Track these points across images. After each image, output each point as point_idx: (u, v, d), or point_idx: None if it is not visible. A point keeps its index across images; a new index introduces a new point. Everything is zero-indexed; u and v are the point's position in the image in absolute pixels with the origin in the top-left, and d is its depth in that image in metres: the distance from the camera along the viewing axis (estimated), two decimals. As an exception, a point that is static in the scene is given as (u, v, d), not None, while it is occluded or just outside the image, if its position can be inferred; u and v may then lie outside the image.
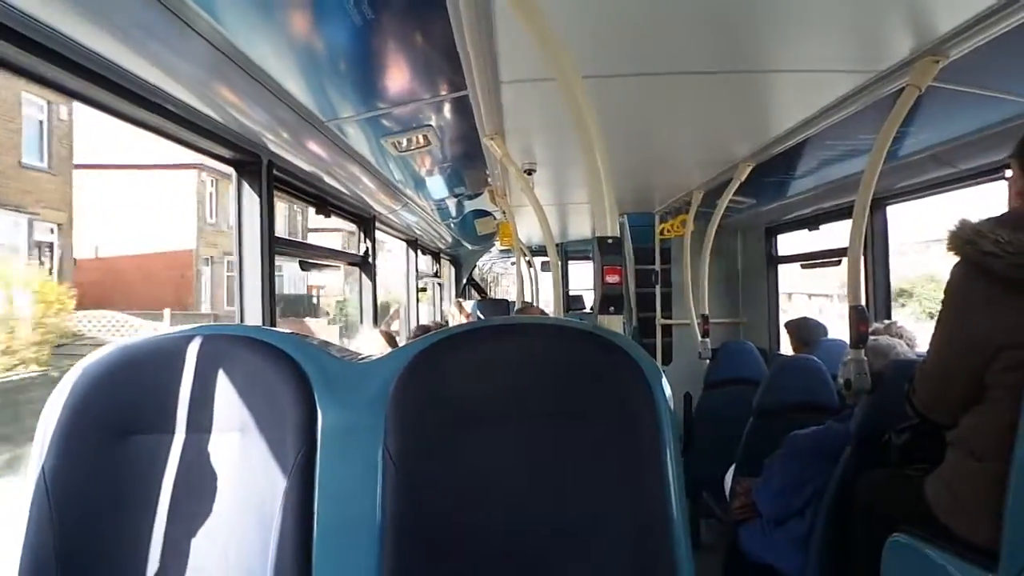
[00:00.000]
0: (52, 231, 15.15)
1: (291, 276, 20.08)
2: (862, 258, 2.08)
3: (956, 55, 1.63)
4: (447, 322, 5.32)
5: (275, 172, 2.17)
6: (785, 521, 2.24)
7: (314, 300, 21.83)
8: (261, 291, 2.10)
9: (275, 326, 2.23)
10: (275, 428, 1.08)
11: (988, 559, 1.47)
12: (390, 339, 2.64)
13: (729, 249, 4.81)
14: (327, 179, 2.65)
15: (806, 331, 3.39)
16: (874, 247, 3.19)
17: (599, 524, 1.05)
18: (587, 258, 8.25)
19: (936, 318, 1.66)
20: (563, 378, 1.12)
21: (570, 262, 8.16)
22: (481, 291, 9.25)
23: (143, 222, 17.88)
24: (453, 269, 7.52)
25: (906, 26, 1.59)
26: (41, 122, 14.73)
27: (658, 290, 4.92)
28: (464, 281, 7.87)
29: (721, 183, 3.29)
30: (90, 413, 1.08)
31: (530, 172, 3.11)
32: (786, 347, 3.85)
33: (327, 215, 3.03)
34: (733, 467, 2.86)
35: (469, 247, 6.71)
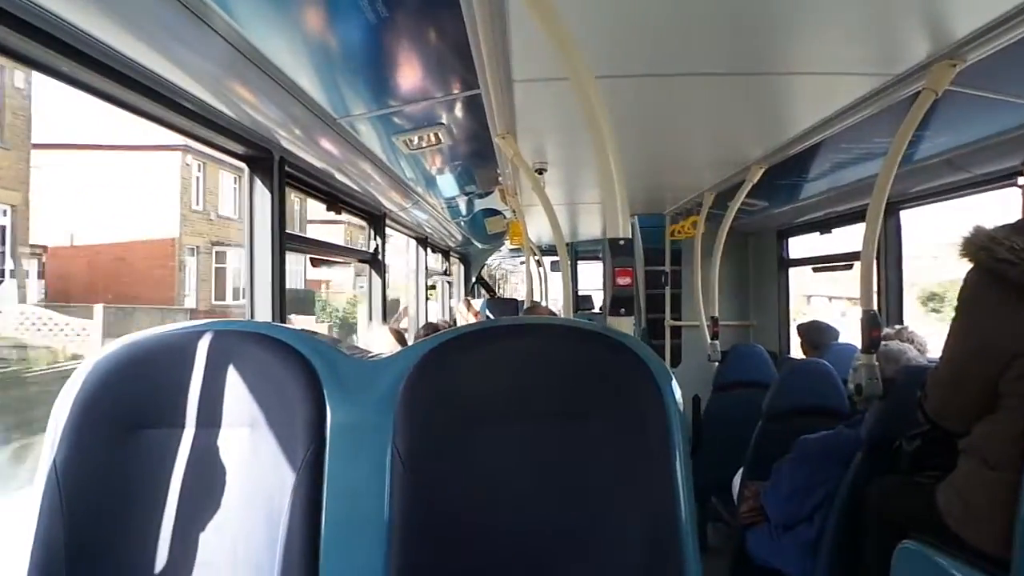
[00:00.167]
0: (4, 213, 13.78)
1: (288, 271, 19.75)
2: (875, 262, 2.06)
3: (973, 59, 1.62)
4: (455, 320, 5.33)
5: (287, 168, 2.17)
6: (793, 526, 2.23)
7: (321, 296, 20.53)
8: (271, 287, 2.10)
9: (285, 322, 2.24)
10: (285, 424, 1.08)
11: (999, 569, 1.45)
12: (399, 337, 2.64)
13: (739, 251, 4.79)
14: (338, 176, 2.65)
15: (817, 334, 3.37)
16: (887, 251, 3.16)
17: (607, 525, 1.05)
18: (596, 258, 8.25)
19: (950, 325, 1.65)
20: (572, 379, 1.11)
21: (579, 262, 8.16)
22: (490, 290, 9.26)
23: (121, 207, 16.53)
24: (462, 267, 7.53)
25: (923, 29, 1.57)
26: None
27: (667, 291, 4.91)
28: (473, 279, 7.88)
29: (733, 185, 3.28)
30: (101, 407, 1.09)
31: (541, 171, 3.11)
32: (797, 351, 3.83)
33: (338, 212, 3.04)
34: (741, 471, 2.85)
35: (479, 245, 6.71)
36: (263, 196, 2.10)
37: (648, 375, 1.10)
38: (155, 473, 1.08)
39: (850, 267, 3.63)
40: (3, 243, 13.80)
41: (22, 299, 14.07)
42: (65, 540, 1.03)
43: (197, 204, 18.01)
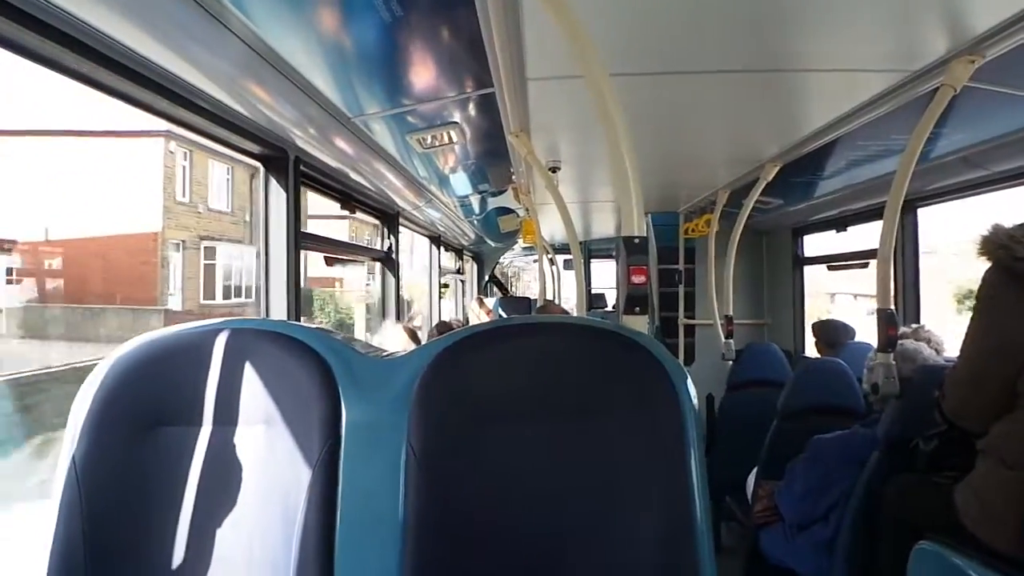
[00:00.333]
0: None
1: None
2: (891, 260, 2.04)
3: (993, 55, 1.60)
4: (467, 319, 5.34)
5: (302, 168, 2.19)
6: (808, 526, 2.22)
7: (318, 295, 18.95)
8: (287, 286, 2.12)
9: (300, 320, 2.26)
10: (300, 422, 1.09)
11: (1017, 570, 1.44)
12: (413, 335, 2.65)
13: (754, 249, 4.76)
14: (352, 175, 2.67)
15: (832, 333, 3.35)
16: (904, 249, 3.14)
17: (621, 524, 1.05)
18: (610, 256, 8.23)
19: (968, 323, 1.63)
20: (586, 377, 1.11)
21: (592, 260, 8.14)
22: (503, 288, 9.26)
23: (98, 199, 14.77)
24: (475, 266, 7.54)
25: (942, 25, 1.56)
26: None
27: (681, 290, 4.89)
28: (486, 278, 7.89)
29: (748, 183, 3.26)
30: (119, 404, 1.10)
31: (554, 170, 3.11)
32: (812, 350, 3.81)
33: (352, 211, 3.05)
34: (755, 470, 2.84)
35: (492, 244, 6.72)
36: (278, 195, 2.12)
37: (663, 374, 1.09)
38: (172, 470, 1.09)
39: (866, 265, 3.60)
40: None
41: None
42: (84, 536, 1.05)
43: (183, 196, 16.28)
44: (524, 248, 7.99)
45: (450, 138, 2.43)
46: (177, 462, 1.09)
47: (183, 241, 16.24)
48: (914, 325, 2.40)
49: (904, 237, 3.13)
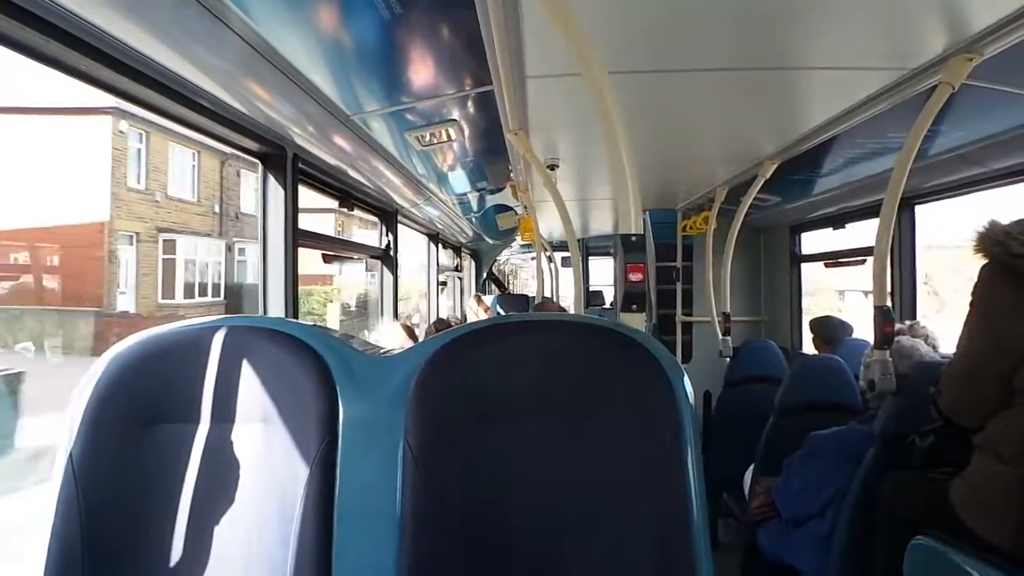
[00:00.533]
0: None
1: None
2: (888, 257, 2.05)
3: (990, 53, 1.60)
4: (465, 317, 5.34)
5: (300, 165, 2.19)
6: (804, 522, 2.23)
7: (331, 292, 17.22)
8: (284, 283, 2.12)
9: (298, 318, 2.26)
10: (297, 419, 1.09)
11: (1013, 564, 1.45)
12: (410, 332, 2.66)
13: (751, 247, 4.77)
14: (351, 172, 2.67)
15: (829, 329, 3.36)
16: (901, 247, 3.14)
17: (618, 521, 1.05)
18: (607, 254, 8.24)
19: (964, 320, 1.64)
20: (583, 374, 1.11)
21: (590, 258, 8.15)
22: (501, 286, 9.26)
23: (32, 185, 12.72)
24: (473, 263, 7.54)
25: (940, 23, 1.56)
26: None
27: (679, 287, 4.90)
28: (484, 275, 7.89)
29: (745, 180, 3.26)
30: (117, 401, 1.10)
31: (553, 167, 3.11)
32: (809, 347, 3.82)
33: (350, 208, 3.06)
34: (753, 466, 2.85)
35: (490, 241, 6.72)
36: (276, 192, 2.12)
37: (660, 371, 1.10)
38: (170, 467, 1.09)
39: (863, 262, 3.61)
40: None
41: None
42: (82, 533, 1.05)
43: (138, 182, 14.30)
44: (522, 246, 7.99)
45: (449, 136, 2.43)
46: (175, 459, 1.09)
47: (136, 233, 14.33)
48: (909, 322, 2.41)
49: (901, 234, 3.13)
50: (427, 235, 5.21)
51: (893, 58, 1.78)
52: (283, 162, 2.10)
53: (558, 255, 7.98)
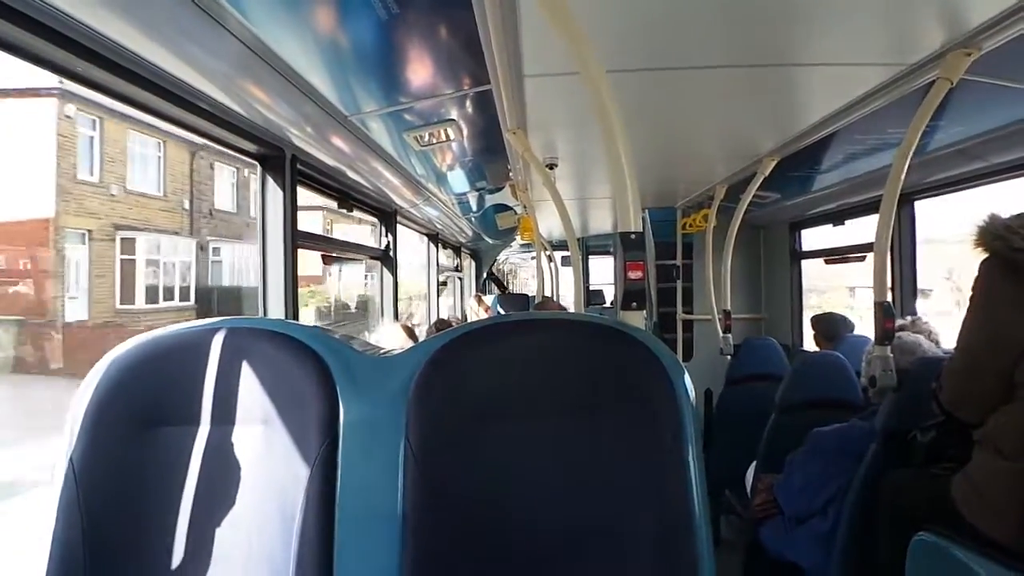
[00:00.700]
0: None
1: (237, 263, 15.42)
2: (888, 253, 2.05)
3: (989, 47, 1.60)
4: (466, 316, 5.34)
5: (298, 166, 2.19)
6: (806, 519, 2.22)
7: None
8: (284, 285, 2.12)
9: (297, 319, 2.26)
10: (298, 421, 1.09)
11: (1014, 559, 1.45)
12: (410, 333, 2.66)
13: (751, 244, 4.77)
14: (350, 173, 2.66)
15: (830, 326, 3.35)
16: (901, 242, 3.14)
17: (620, 520, 1.05)
18: (607, 253, 8.23)
19: (964, 314, 1.64)
20: (584, 374, 1.11)
21: (590, 256, 8.14)
22: (501, 285, 9.25)
23: None
24: (473, 263, 7.53)
25: (938, 18, 1.56)
26: None
27: (679, 285, 4.90)
28: (484, 275, 7.89)
29: (745, 177, 3.26)
30: (117, 404, 1.10)
31: (552, 167, 3.11)
32: (809, 343, 3.81)
33: (349, 209, 3.05)
34: (754, 464, 2.85)
35: (489, 241, 6.71)
36: (275, 194, 2.12)
37: (660, 369, 1.10)
38: (171, 469, 1.09)
39: (863, 259, 3.61)
40: None
41: None
42: (83, 535, 1.05)
43: (90, 174, 12.67)
44: (522, 245, 7.98)
45: (447, 136, 2.43)
46: (176, 462, 1.09)
47: (89, 231, 12.69)
48: (910, 317, 2.41)
49: (901, 230, 3.13)
50: (427, 235, 5.20)
51: (891, 54, 1.78)
52: (282, 163, 2.10)
53: (558, 254, 7.98)
